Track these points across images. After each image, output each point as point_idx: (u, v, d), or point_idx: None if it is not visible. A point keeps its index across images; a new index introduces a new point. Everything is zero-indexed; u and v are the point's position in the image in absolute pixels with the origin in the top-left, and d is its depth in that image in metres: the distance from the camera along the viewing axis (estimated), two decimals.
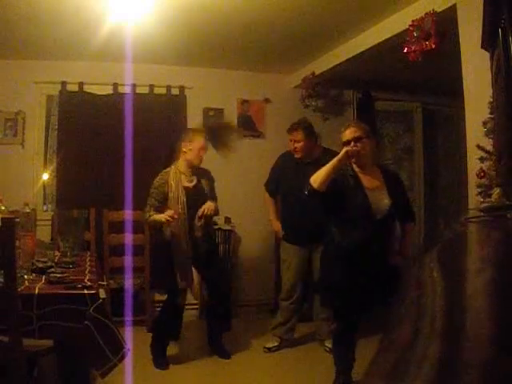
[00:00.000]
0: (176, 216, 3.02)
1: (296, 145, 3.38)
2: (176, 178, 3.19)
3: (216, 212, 3.30)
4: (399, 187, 2.75)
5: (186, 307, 3.42)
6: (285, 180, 3.51)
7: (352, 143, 2.54)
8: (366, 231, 2.53)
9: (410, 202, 2.94)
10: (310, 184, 2.55)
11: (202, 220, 3.17)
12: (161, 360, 3.17)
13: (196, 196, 3.20)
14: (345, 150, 2.51)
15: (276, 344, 3.46)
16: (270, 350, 3.43)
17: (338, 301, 2.70)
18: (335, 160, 2.50)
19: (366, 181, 2.61)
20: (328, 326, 3.35)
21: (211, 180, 3.37)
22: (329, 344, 3.35)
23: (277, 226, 3.61)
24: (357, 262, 2.55)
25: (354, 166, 2.64)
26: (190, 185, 3.23)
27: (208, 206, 3.15)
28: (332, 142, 3.45)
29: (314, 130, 3.51)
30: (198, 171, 3.30)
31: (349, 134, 2.58)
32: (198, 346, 3.50)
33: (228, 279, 3.85)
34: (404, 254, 2.73)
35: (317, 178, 2.53)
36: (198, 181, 3.28)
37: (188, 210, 3.14)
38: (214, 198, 3.31)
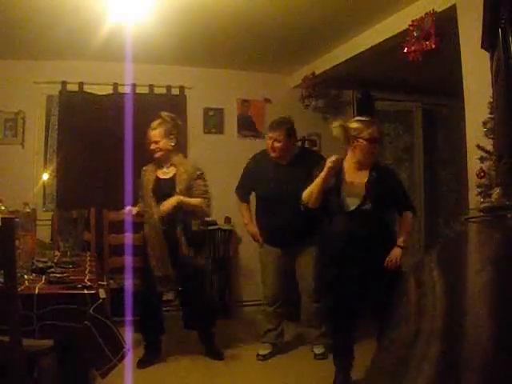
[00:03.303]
0: (133, 212, 3.24)
1: (276, 144, 3.18)
2: (153, 169, 3.28)
3: (178, 203, 3.09)
4: (389, 179, 2.71)
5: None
6: (261, 182, 3.32)
7: (334, 157, 2.59)
8: (342, 222, 2.60)
9: (407, 193, 2.88)
10: (303, 202, 2.69)
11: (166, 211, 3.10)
12: (143, 358, 3.14)
13: (166, 187, 3.17)
14: (328, 165, 2.56)
15: (269, 350, 3.39)
16: (264, 357, 3.36)
17: (330, 296, 2.75)
18: (319, 179, 2.61)
19: (349, 175, 2.66)
20: (317, 331, 3.33)
21: (193, 171, 3.22)
22: (317, 350, 3.34)
23: (254, 229, 3.43)
24: (345, 256, 2.59)
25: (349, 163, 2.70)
26: (165, 176, 3.23)
27: (166, 202, 3.08)
28: (332, 142, 3.44)
29: (295, 131, 3.33)
30: (178, 162, 3.23)
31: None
32: (198, 346, 3.49)
33: (204, 278, 3.53)
34: (401, 243, 2.66)
35: (310, 197, 2.67)
36: (176, 173, 3.20)
37: (157, 200, 3.16)
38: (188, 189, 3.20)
